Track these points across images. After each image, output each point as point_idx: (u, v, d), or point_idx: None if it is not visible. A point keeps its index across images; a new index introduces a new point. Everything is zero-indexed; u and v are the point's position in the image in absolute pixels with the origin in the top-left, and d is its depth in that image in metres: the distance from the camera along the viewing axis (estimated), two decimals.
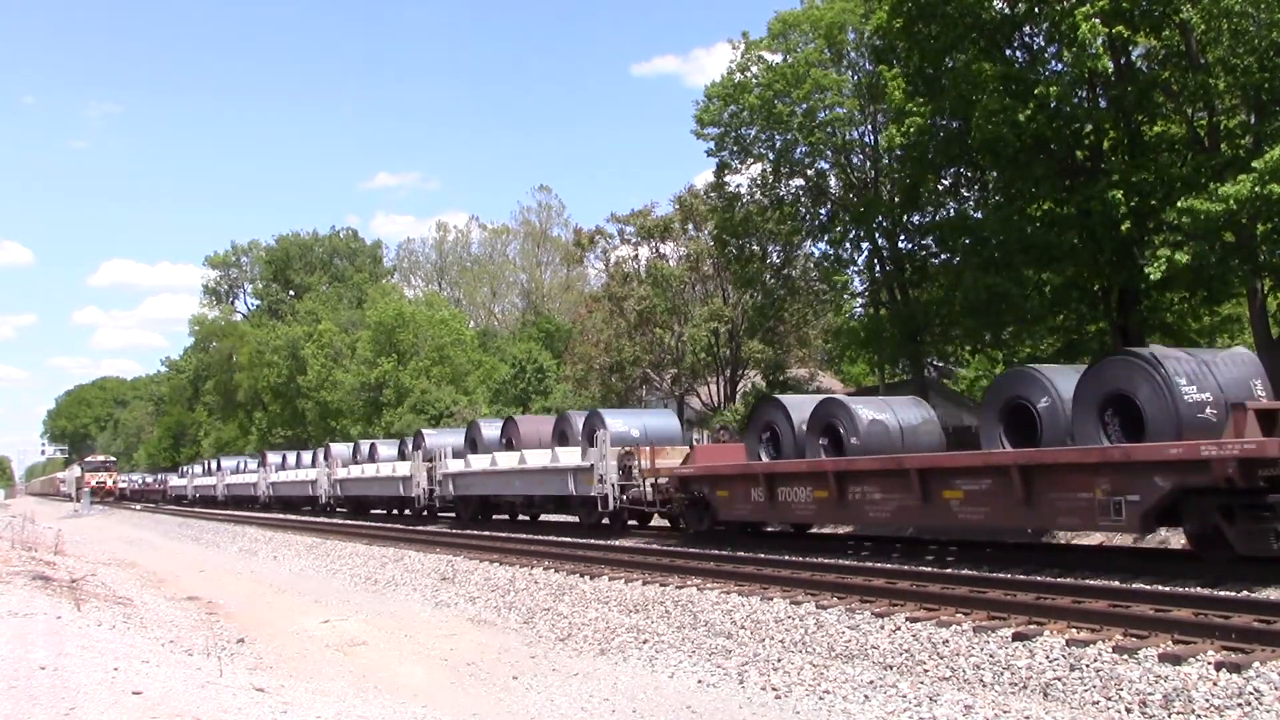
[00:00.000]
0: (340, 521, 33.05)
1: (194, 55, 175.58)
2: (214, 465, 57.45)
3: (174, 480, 66.44)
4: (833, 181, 31.58)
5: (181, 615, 13.61)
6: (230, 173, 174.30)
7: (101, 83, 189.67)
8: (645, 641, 9.96)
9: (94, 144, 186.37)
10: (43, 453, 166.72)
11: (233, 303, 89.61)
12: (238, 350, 79.40)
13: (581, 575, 14.41)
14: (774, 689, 7.87)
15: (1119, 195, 18.67)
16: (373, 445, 36.05)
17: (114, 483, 79.73)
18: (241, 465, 53.03)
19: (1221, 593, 9.43)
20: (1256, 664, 6.87)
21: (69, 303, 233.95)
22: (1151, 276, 18.58)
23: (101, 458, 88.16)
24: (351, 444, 39.99)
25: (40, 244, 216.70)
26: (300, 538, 27.38)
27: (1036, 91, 19.39)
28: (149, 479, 78.57)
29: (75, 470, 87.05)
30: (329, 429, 62.04)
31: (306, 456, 43.21)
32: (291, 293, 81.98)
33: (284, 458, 46.32)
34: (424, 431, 32.18)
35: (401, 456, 32.50)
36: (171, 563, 23.26)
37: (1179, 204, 17.47)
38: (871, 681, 7.74)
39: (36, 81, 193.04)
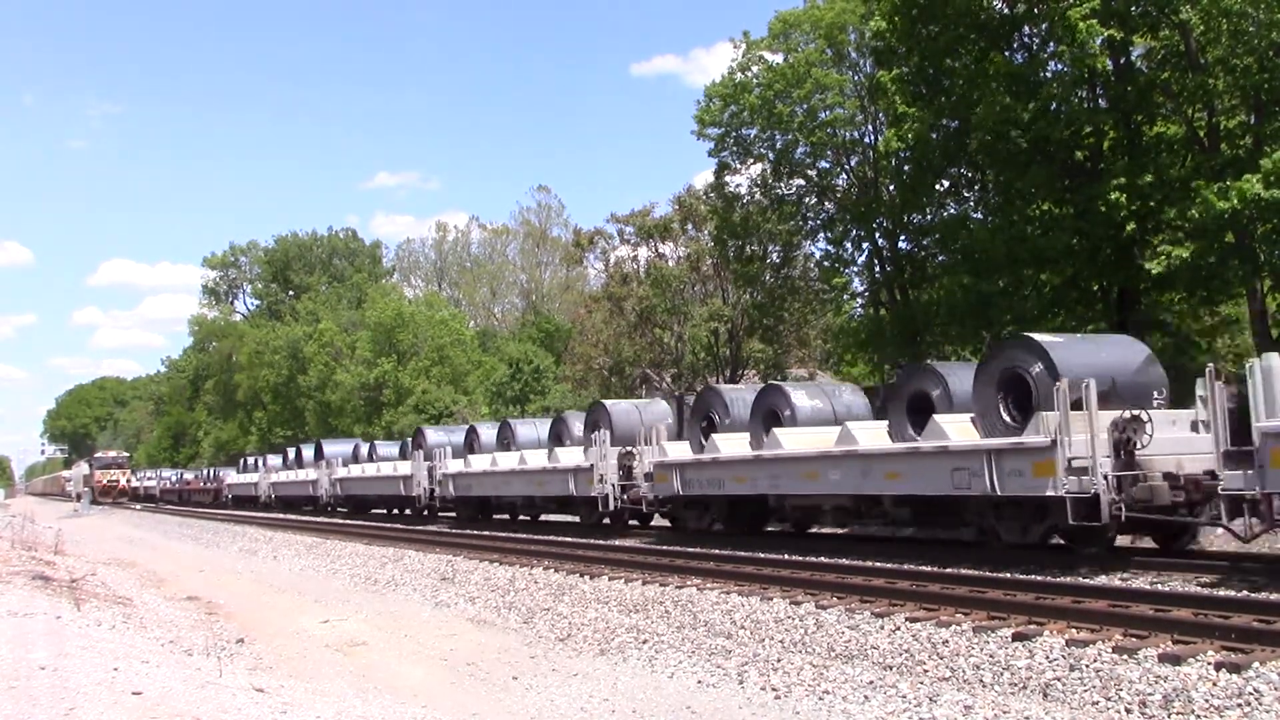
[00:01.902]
0: (342, 521, 32.81)
1: (194, 55, 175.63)
2: (304, 454, 40.47)
3: (233, 477, 51.21)
4: (834, 181, 31.63)
5: (181, 615, 13.62)
6: (230, 172, 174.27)
7: (101, 83, 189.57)
8: (645, 641, 9.96)
9: (94, 144, 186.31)
10: (43, 453, 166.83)
11: (232, 303, 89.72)
12: (237, 350, 79.37)
13: (581, 575, 14.42)
14: (774, 689, 7.87)
15: (1122, 198, 18.70)
16: (742, 392, 20.41)
17: (127, 481, 71.70)
18: (362, 451, 35.95)
19: (1221, 593, 9.44)
20: (1256, 664, 6.87)
21: (69, 303, 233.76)
22: (1153, 271, 18.62)
23: (113, 453, 78.89)
24: (635, 403, 24.05)
25: (40, 244, 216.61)
26: (300, 537, 27.41)
27: (1040, 91, 19.43)
28: (190, 476, 64.57)
29: (83, 467, 77.68)
30: (329, 429, 62.13)
31: (529, 430, 26.93)
32: (291, 293, 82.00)
33: (471, 436, 28.71)
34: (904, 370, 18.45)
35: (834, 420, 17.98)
36: (171, 563, 23.26)
37: (1200, 187, 17.40)
38: (871, 681, 7.74)
39: (36, 81, 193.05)
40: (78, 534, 32.94)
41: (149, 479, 72.15)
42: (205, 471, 61.53)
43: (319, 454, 38.34)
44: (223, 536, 31.07)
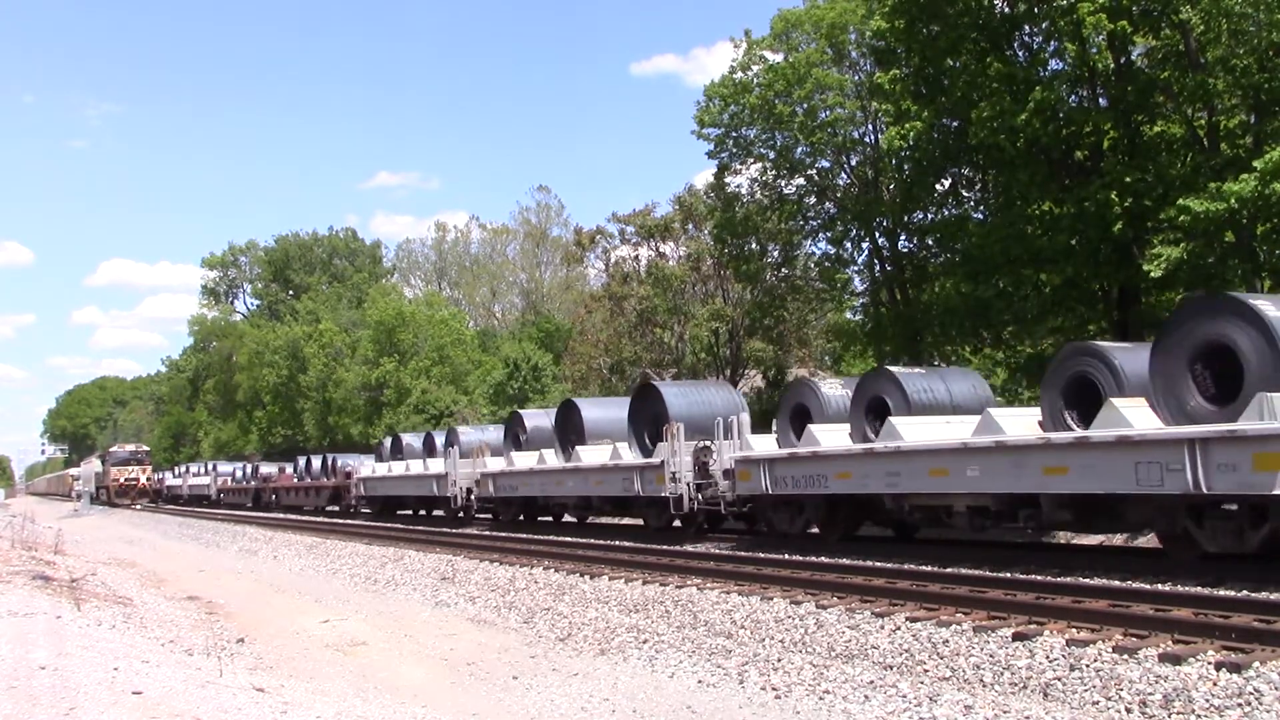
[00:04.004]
0: (341, 521, 32.70)
1: (194, 55, 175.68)
2: (584, 418, 22.37)
3: (370, 468, 33.65)
4: (834, 181, 31.64)
5: (181, 615, 13.61)
6: (230, 172, 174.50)
7: (101, 83, 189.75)
8: (645, 641, 9.96)
9: (94, 144, 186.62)
10: (43, 453, 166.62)
11: (232, 303, 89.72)
12: (237, 350, 79.29)
13: (581, 575, 14.42)
14: (774, 689, 7.87)
15: (1113, 195, 18.73)
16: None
17: (149, 479, 61.75)
18: (832, 395, 17.10)
19: (1221, 592, 9.44)
20: (1256, 664, 6.87)
21: (69, 302, 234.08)
22: (1151, 274, 18.61)
23: (131, 447, 67.00)
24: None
25: (40, 244, 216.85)
26: (300, 537, 27.40)
27: (1035, 95, 19.41)
28: (270, 470, 46.48)
29: (93, 465, 69.29)
30: (329, 429, 62.07)
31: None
32: (291, 293, 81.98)
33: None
34: None
35: None
36: (171, 562, 23.25)
37: (1178, 202, 17.50)
38: (871, 681, 7.74)
39: (36, 81, 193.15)
40: (78, 534, 32.92)
41: (197, 475, 57.25)
42: (306, 462, 41.49)
43: (654, 414, 19.36)
44: (223, 536, 31.06)
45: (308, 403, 64.59)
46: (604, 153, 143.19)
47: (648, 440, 19.89)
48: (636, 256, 41.57)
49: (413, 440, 33.37)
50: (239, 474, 50.75)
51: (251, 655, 10.39)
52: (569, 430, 23.00)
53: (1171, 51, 19.79)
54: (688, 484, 17.71)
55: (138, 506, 59.37)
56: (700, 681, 8.36)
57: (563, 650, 10.10)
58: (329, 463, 38.66)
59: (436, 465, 28.93)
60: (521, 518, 25.68)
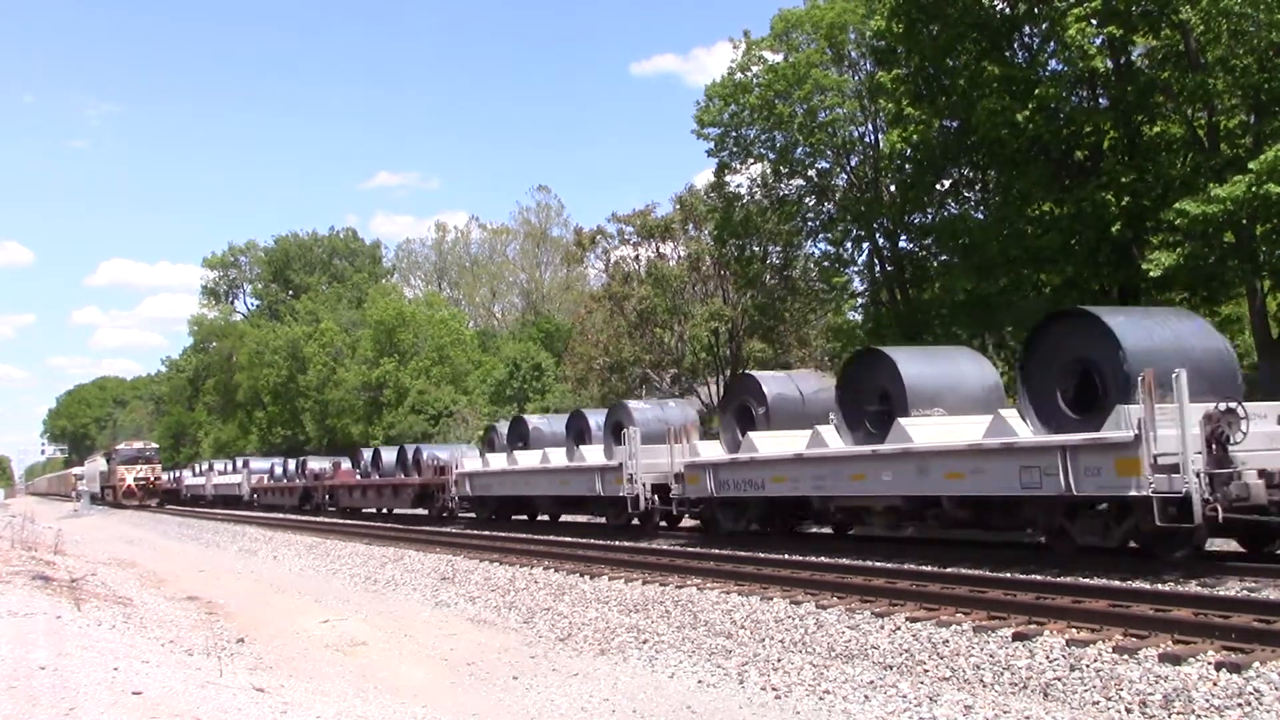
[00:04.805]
0: (342, 521, 32.60)
1: (194, 55, 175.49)
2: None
3: (474, 460, 28.20)
4: (834, 181, 31.67)
5: (181, 615, 13.61)
6: (230, 172, 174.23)
7: (101, 83, 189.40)
8: (645, 641, 9.96)
9: (94, 144, 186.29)
10: (43, 453, 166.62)
11: (232, 303, 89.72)
12: (237, 350, 79.30)
13: (581, 575, 14.43)
14: (774, 689, 7.87)
15: (1109, 196, 18.76)
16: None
17: (156, 478, 58.02)
18: None
19: (1221, 593, 9.44)
20: (1256, 664, 6.86)
21: (68, 302, 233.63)
22: (1150, 274, 18.64)
23: (140, 444, 62.99)
24: None
25: (40, 244, 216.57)
26: (300, 537, 27.39)
27: (1036, 93, 19.45)
28: (322, 466, 38.91)
29: (98, 463, 66.29)
30: (328, 429, 62.06)
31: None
32: (291, 293, 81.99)
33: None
34: None
35: None
36: (171, 563, 23.25)
37: (1175, 205, 17.55)
38: (871, 681, 7.74)
39: (36, 81, 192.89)
40: (78, 534, 32.92)
41: (224, 474, 50.77)
42: (373, 455, 34.58)
43: (1076, 359, 12.37)
44: (222, 536, 31.06)
45: (308, 403, 64.57)
46: (604, 153, 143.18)
47: (1062, 402, 12.19)
48: (636, 256, 41.59)
49: (543, 424, 26.87)
50: (279, 470, 43.34)
51: (251, 655, 10.39)
52: (864, 396, 15.38)
53: (1171, 52, 19.81)
54: (1197, 473, 10.06)
55: (153, 504, 56.24)
56: (700, 681, 8.36)
57: (563, 650, 10.10)
58: (408, 455, 31.81)
59: (594, 455, 21.84)
60: (754, 526, 17.63)
